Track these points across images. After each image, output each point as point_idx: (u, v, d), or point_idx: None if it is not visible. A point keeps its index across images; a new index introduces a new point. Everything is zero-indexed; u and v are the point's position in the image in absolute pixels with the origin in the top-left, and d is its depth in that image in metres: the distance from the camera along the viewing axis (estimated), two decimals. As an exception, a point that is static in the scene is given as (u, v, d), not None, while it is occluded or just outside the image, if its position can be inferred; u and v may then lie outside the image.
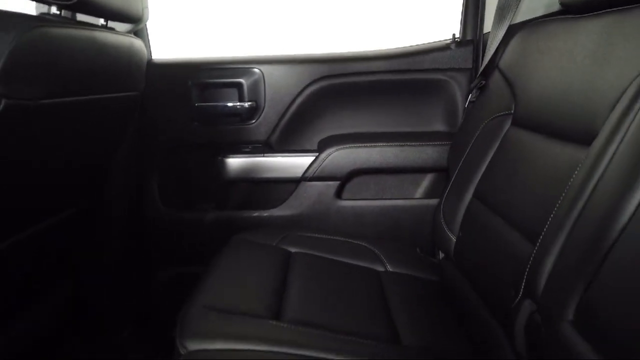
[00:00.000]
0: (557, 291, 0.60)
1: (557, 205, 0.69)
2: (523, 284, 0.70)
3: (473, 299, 0.92)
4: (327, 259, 1.14)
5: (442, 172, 1.34)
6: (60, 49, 0.75)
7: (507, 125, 1.04)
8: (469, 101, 1.26)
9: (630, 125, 0.61)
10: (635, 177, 0.54)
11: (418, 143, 1.35)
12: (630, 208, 0.54)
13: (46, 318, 1.15)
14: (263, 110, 1.39)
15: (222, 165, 1.39)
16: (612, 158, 0.61)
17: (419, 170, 1.38)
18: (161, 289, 1.42)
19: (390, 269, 1.15)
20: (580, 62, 0.82)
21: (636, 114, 0.61)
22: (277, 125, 1.40)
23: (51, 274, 1.11)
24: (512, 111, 1.03)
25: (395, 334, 0.86)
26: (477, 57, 1.31)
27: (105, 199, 1.20)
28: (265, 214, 1.39)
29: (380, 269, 1.15)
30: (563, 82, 0.86)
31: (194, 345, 0.71)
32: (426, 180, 1.41)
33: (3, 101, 0.65)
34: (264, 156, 1.39)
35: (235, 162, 1.39)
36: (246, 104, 1.38)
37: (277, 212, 1.39)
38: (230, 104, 1.39)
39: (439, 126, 1.40)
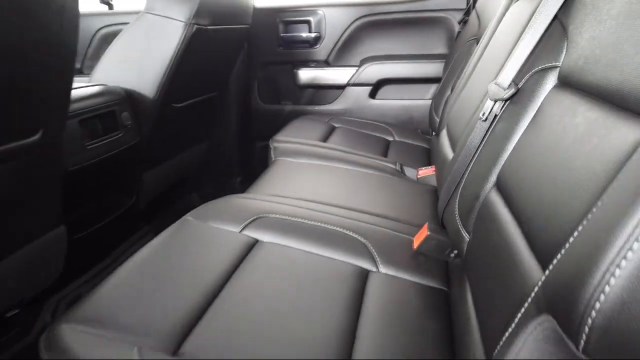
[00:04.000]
0: (441, 119, 1.28)
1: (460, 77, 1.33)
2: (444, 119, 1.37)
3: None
4: (358, 132, 1.85)
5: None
6: None
7: (475, 47, 1.65)
8: (457, 31, 1.86)
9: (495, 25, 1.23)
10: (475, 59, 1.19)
11: (425, 61, 1.96)
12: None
13: (191, 161, 1.99)
14: (324, 39, 2.05)
15: (297, 75, 2.09)
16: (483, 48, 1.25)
17: (426, 80, 1.99)
18: (258, 155, 2.22)
19: (397, 139, 1.84)
20: None
21: (499, 18, 1.22)
22: (332, 48, 2.05)
23: (198, 134, 1.94)
24: (477, 37, 1.63)
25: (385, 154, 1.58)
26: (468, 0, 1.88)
27: (228, 92, 1.99)
28: (323, 107, 2.11)
29: (390, 138, 1.84)
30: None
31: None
32: (431, 87, 2.02)
33: (195, 27, 1.40)
34: (323, 69, 2.07)
35: (305, 73, 2.08)
36: (312, 35, 2.05)
37: (330, 107, 2.10)
38: (303, 35, 2.05)
39: (441, 49, 1.99)
